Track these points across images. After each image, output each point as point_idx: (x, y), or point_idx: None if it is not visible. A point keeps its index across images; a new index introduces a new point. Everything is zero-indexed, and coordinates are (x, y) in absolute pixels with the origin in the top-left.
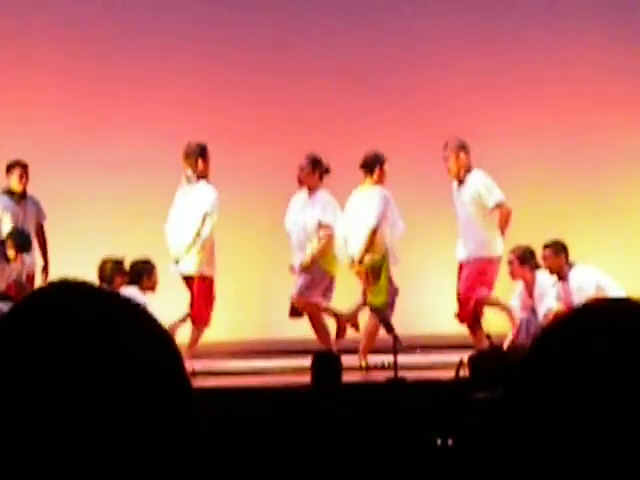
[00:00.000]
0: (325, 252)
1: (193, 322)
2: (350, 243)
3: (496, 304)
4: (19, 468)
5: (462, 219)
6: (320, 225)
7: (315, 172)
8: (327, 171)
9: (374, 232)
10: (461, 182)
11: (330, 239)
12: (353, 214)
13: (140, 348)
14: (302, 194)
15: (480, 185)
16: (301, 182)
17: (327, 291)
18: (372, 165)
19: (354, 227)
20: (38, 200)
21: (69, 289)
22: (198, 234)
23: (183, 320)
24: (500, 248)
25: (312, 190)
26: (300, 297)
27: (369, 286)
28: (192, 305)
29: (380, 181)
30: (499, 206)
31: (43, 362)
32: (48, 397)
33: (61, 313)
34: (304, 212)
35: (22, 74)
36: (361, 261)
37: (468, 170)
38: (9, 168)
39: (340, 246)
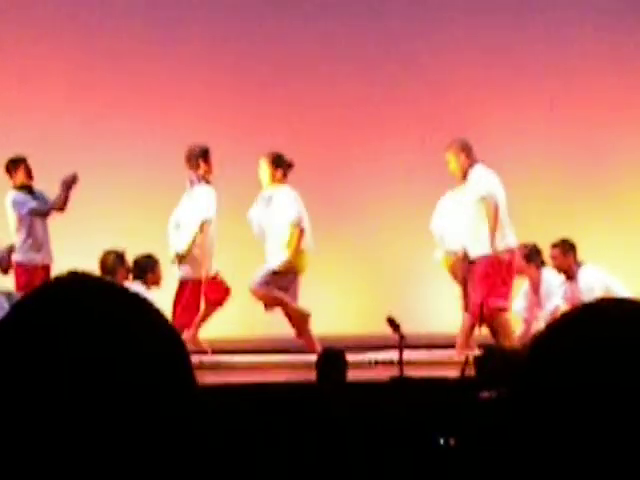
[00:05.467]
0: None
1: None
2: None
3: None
4: (25, 457)
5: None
6: (292, 223)
7: (277, 169)
8: (290, 167)
9: None
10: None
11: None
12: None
13: (146, 342)
14: (267, 193)
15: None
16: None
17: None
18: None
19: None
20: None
21: (76, 282)
22: (194, 240)
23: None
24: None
25: (275, 188)
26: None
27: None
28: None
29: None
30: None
31: (49, 355)
32: (53, 390)
33: (68, 306)
34: (267, 211)
35: (27, 67)
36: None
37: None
38: (16, 164)
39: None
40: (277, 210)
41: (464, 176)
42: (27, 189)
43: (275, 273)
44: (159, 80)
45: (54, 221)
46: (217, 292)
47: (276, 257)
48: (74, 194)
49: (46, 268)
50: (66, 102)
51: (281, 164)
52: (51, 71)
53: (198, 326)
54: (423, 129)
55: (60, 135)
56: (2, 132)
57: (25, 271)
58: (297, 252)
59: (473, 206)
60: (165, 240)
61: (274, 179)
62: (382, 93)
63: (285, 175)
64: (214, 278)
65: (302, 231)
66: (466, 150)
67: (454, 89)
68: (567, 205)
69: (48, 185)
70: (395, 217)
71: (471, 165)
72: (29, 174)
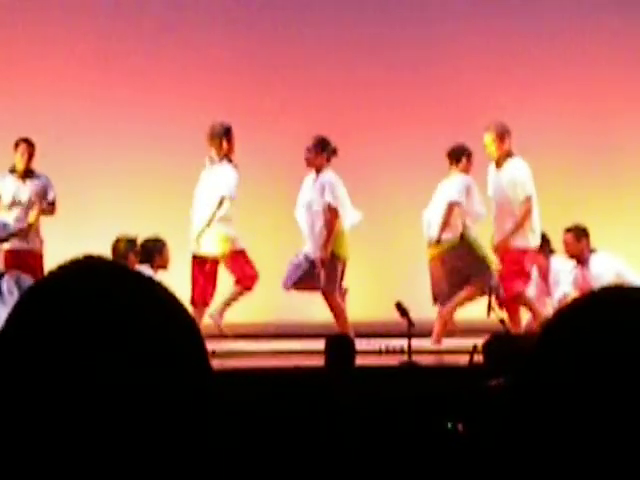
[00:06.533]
0: (335, 235)
1: (192, 303)
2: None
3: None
4: (41, 442)
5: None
6: (328, 208)
7: (322, 153)
8: (334, 152)
9: (452, 207)
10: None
11: (337, 221)
12: (436, 199)
13: (160, 326)
14: (311, 176)
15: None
16: (309, 164)
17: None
18: (459, 155)
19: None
20: (47, 177)
21: (89, 266)
22: (214, 216)
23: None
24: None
25: (319, 172)
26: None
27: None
28: (199, 285)
29: (465, 170)
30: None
31: (64, 339)
32: (68, 374)
33: (82, 290)
34: (311, 195)
35: (36, 50)
36: (439, 240)
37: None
38: (15, 146)
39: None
40: (319, 194)
41: (499, 163)
42: (21, 173)
43: (326, 262)
44: (173, 64)
45: (63, 207)
46: (244, 272)
47: (318, 244)
48: (85, 178)
49: (24, 252)
50: (77, 86)
51: (326, 149)
52: (63, 54)
53: (205, 305)
54: (435, 114)
55: (71, 120)
56: (12, 116)
57: (6, 253)
58: (336, 236)
59: (508, 198)
60: (174, 224)
61: (317, 163)
62: (397, 78)
63: (329, 160)
64: (243, 255)
65: (336, 214)
66: (509, 135)
67: (469, 76)
68: (580, 193)
69: (56, 169)
70: (404, 203)
71: (509, 154)
72: (22, 157)
